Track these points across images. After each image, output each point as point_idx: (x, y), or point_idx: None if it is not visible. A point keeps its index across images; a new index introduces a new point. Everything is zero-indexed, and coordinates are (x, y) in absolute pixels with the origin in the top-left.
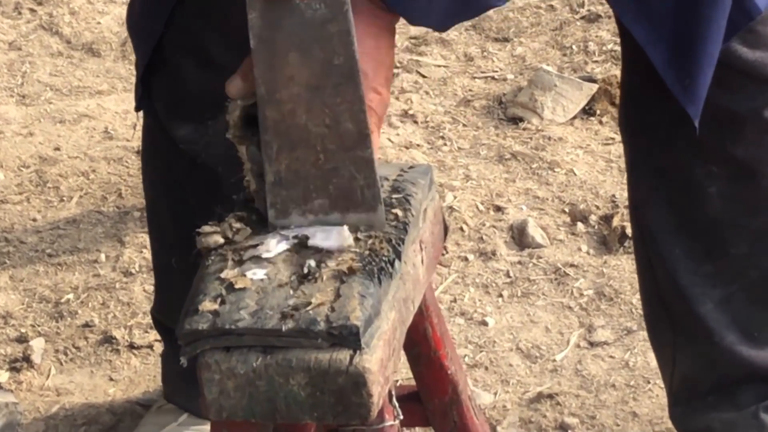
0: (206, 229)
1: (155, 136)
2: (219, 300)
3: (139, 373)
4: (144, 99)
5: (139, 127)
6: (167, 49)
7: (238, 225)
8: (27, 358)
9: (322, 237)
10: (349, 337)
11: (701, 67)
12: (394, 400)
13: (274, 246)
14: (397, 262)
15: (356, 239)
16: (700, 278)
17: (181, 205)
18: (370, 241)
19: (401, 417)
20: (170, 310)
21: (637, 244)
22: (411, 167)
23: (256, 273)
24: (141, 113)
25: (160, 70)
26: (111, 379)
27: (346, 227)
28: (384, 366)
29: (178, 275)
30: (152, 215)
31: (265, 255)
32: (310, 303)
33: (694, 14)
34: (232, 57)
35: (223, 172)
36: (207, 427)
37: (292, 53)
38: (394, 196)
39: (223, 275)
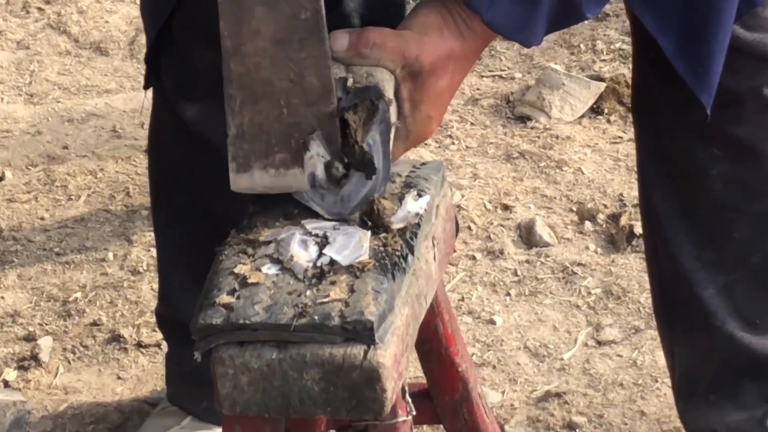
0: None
1: (162, 115)
2: (233, 295)
3: (147, 372)
4: (152, 78)
5: (147, 126)
6: (177, 30)
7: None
8: (35, 357)
9: (341, 243)
10: (364, 333)
11: (713, 55)
12: (407, 395)
13: (290, 241)
14: (410, 257)
15: (373, 233)
16: (703, 264)
17: (187, 185)
18: (383, 236)
19: (414, 413)
20: (175, 301)
21: (645, 230)
22: (423, 164)
23: (271, 268)
24: (147, 96)
25: (169, 50)
26: (119, 378)
27: (368, 233)
28: (397, 361)
29: (183, 263)
30: (158, 197)
31: (280, 250)
32: (324, 298)
33: (705, 3)
34: None
35: (227, 153)
36: (209, 431)
37: (258, 7)
38: (407, 191)
39: (237, 270)
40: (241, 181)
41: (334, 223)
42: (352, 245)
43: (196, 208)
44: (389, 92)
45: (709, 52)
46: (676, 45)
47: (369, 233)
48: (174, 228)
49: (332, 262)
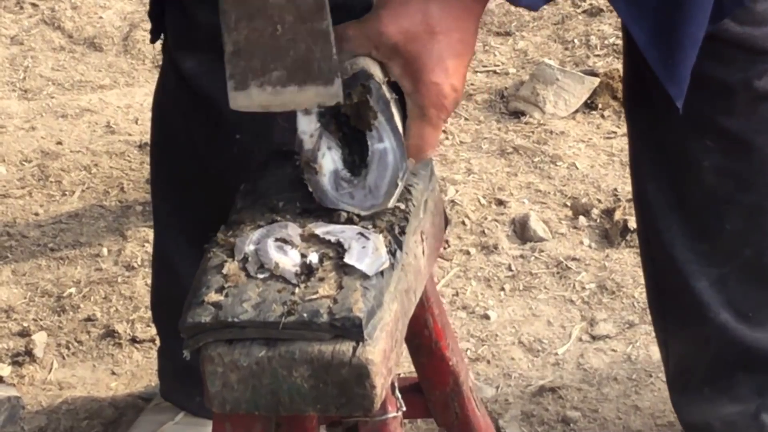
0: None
1: (167, 74)
2: (221, 293)
3: (141, 367)
4: (156, 32)
5: (141, 122)
6: None
7: None
8: (29, 353)
9: (358, 250)
10: (352, 329)
11: (684, 49)
12: (397, 391)
13: (267, 250)
14: (398, 252)
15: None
16: (695, 256)
17: (186, 145)
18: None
19: (404, 408)
20: (170, 270)
21: (639, 222)
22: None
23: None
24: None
25: (173, 3)
26: (113, 373)
27: (381, 237)
28: (387, 357)
29: (180, 227)
30: (157, 161)
31: (262, 260)
32: (312, 295)
33: None
34: None
35: (225, 107)
36: (203, 428)
37: None
38: None
39: (224, 269)
40: (239, 99)
41: (340, 226)
42: (370, 252)
43: (194, 169)
44: (377, 72)
45: (680, 45)
46: (648, 35)
47: (381, 237)
48: (172, 191)
49: (321, 258)
